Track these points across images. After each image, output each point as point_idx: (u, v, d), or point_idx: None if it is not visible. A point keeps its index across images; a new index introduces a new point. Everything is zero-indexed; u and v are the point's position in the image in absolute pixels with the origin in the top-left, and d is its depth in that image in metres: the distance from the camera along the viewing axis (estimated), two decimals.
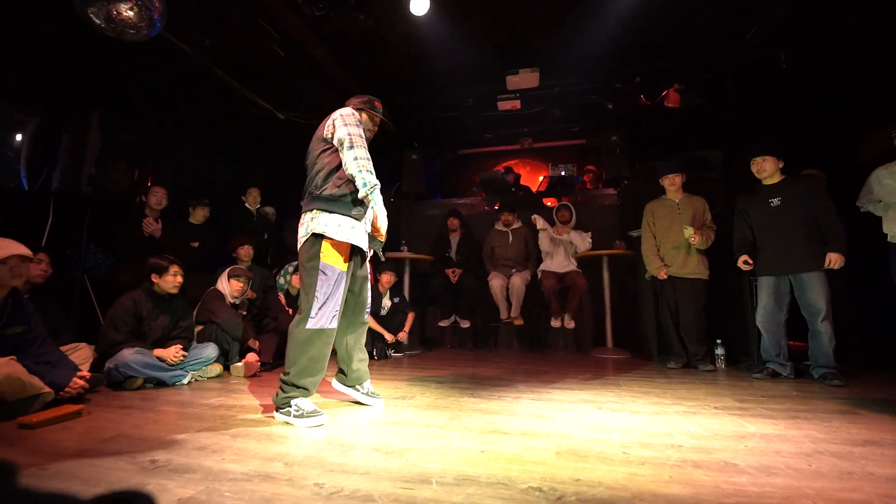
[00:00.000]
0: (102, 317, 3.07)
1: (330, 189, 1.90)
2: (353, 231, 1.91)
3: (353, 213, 1.92)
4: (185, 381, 2.65)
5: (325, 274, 1.86)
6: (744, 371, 3.11)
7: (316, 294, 1.84)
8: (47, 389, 1.92)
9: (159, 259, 2.75)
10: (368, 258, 2.14)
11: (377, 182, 1.87)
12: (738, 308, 3.39)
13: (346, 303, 2.04)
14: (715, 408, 2.05)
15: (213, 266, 3.70)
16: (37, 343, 2.10)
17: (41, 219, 3.15)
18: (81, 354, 2.54)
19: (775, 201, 2.89)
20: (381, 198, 1.92)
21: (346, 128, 1.90)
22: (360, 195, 1.86)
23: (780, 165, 2.92)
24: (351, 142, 1.87)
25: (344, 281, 1.92)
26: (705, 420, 1.84)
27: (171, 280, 2.74)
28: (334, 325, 1.89)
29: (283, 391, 1.84)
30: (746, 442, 1.56)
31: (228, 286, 3.28)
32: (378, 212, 1.96)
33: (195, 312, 3.17)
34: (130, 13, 2.55)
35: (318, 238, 1.88)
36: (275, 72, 4.25)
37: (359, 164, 1.84)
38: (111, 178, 3.37)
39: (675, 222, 3.38)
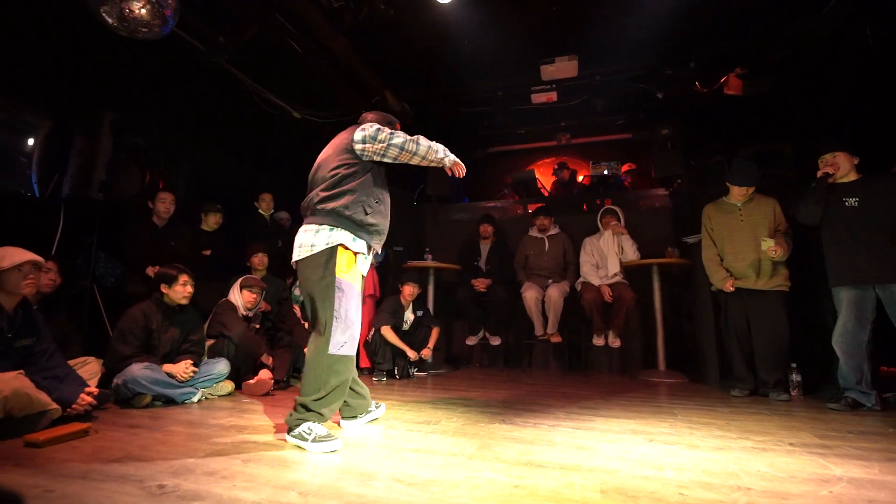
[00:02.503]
0: (111, 329, 3.22)
1: (350, 209, 1.98)
2: (363, 247, 2.04)
3: (375, 242, 2.09)
4: (195, 398, 2.73)
5: (342, 290, 1.92)
6: (825, 401, 2.93)
7: (336, 314, 1.90)
8: (54, 406, 2.02)
9: (168, 268, 2.86)
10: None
11: (442, 150, 2.11)
12: (817, 326, 3.21)
13: None
14: (790, 444, 1.94)
15: (225, 275, 3.83)
16: (45, 356, 2.22)
17: (51, 226, 3.35)
18: (90, 369, 2.66)
19: (851, 201, 2.79)
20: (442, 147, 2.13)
21: (394, 135, 2.04)
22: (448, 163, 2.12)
23: (855, 162, 2.85)
24: (403, 142, 2.03)
25: (361, 299, 2.04)
26: (778, 458, 1.74)
27: (181, 290, 2.84)
28: (354, 350, 1.97)
29: (298, 413, 1.89)
30: (831, 487, 1.46)
31: (241, 297, 3.38)
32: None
33: (206, 325, 3.27)
34: (143, 11, 2.70)
35: (332, 251, 1.95)
36: (291, 68, 4.38)
37: (430, 152, 2.07)
38: (122, 182, 3.54)
39: (737, 231, 3.25)
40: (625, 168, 6.03)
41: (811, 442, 1.98)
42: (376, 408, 2.34)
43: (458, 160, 2.17)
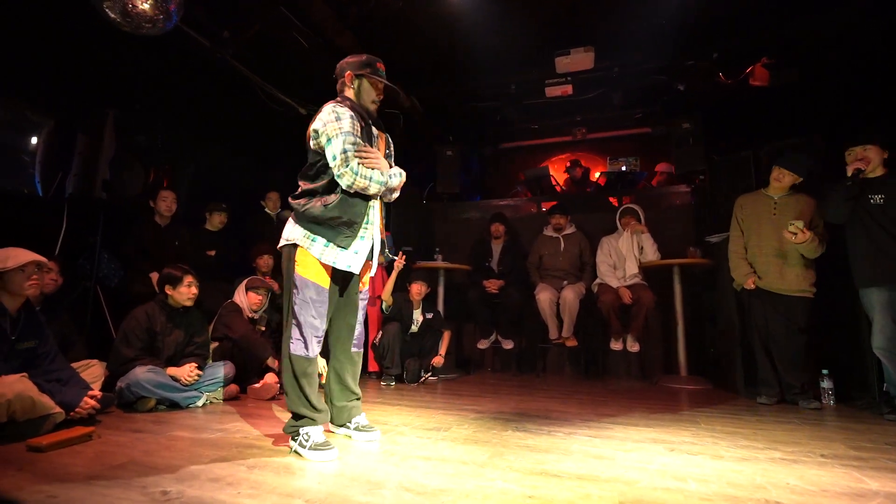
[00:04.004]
0: (115, 330, 3.27)
1: (307, 205, 1.88)
2: (339, 255, 1.90)
3: (340, 240, 1.88)
4: (200, 403, 2.76)
5: (296, 288, 1.88)
6: (860, 410, 2.88)
7: (292, 311, 1.88)
8: (58, 409, 2.05)
9: (173, 269, 2.89)
10: (371, 274, 2.11)
11: (380, 180, 1.88)
12: (850, 331, 3.14)
13: (330, 328, 2.06)
14: (822, 455, 1.90)
15: (230, 276, 3.86)
16: (48, 359, 2.26)
17: (54, 226, 3.41)
18: (93, 372, 2.70)
19: (877, 199, 2.74)
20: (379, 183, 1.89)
21: (339, 137, 1.82)
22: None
23: (885, 156, 2.81)
24: (340, 151, 1.81)
25: (326, 300, 1.93)
26: (809, 471, 1.71)
27: (186, 291, 2.87)
28: (313, 352, 1.91)
29: (293, 420, 1.92)
30: (867, 502, 1.43)
31: (246, 299, 3.41)
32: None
33: (211, 327, 3.31)
34: (146, 6, 2.73)
35: (293, 247, 1.91)
36: (297, 64, 4.41)
37: (361, 179, 1.84)
38: (125, 181, 3.60)
39: (767, 223, 3.20)
40: (660, 167, 5.88)
41: (844, 453, 1.94)
42: (360, 430, 2.10)
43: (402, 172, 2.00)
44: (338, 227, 1.88)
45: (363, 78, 2.01)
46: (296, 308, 1.87)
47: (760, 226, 3.23)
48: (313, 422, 1.88)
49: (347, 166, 1.80)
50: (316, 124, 1.88)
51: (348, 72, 2.01)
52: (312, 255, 1.88)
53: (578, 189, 6.09)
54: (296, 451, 1.84)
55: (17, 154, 3.28)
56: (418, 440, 2.07)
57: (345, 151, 1.80)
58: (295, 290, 1.88)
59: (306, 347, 1.89)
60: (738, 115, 5.17)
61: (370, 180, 1.85)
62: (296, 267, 1.88)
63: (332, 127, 1.83)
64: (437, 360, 3.98)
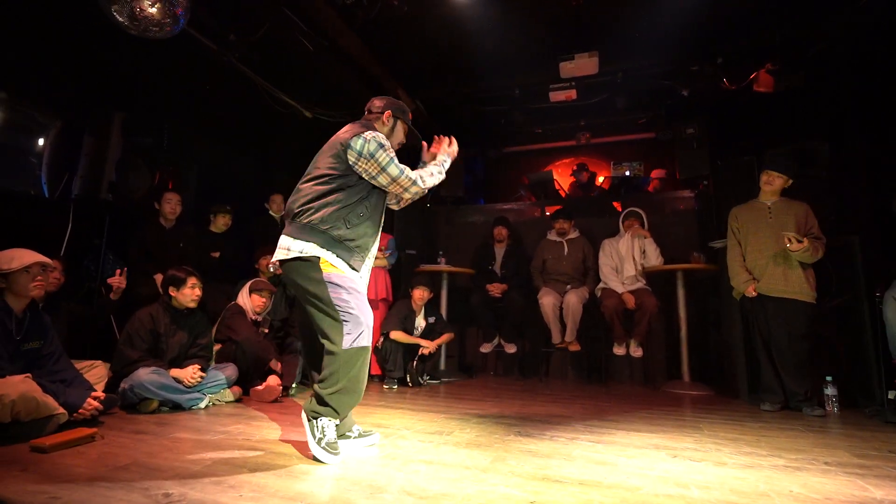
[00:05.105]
0: (118, 331, 3.28)
1: (327, 223, 1.90)
2: (341, 264, 1.93)
3: (354, 261, 1.95)
4: (202, 404, 2.77)
5: (335, 284, 1.87)
6: (865, 417, 2.86)
7: (337, 306, 1.84)
8: (61, 410, 2.06)
9: (177, 271, 2.91)
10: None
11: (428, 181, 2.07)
12: (855, 337, 3.13)
13: None
14: (826, 463, 1.89)
15: (234, 278, 3.88)
16: (52, 359, 2.27)
17: (60, 227, 3.43)
18: (97, 373, 2.71)
19: None
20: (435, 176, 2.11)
21: (392, 162, 1.97)
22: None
23: None
24: (399, 175, 1.97)
25: (361, 289, 1.97)
26: (813, 478, 1.70)
27: (189, 293, 2.89)
28: (368, 341, 1.88)
29: (316, 403, 1.86)
30: None
31: (250, 301, 3.42)
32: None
33: (214, 329, 3.32)
34: (153, 10, 2.76)
35: (315, 258, 1.89)
36: (302, 67, 4.44)
37: (422, 192, 2.08)
38: (131, 183, 3.62)
39: (765, 228, 3.21)
40: (654, 173, 5.91)
41: (848, 461, 1.93)
42: (363, 435, 2.08)
43: (446, 159, 2.18)
44: (352, 250, 1.96)
45: (399, 121, 2.18)
46: (344, 304, 1.85)
47: (759, 231, 3.24)
48: (336, 415, 1.86)
49: (415, 183, 2.01)
50: (359, 147, 1.92)
51: (388, 111, 2.14)
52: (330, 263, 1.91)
53: (584, 193, 6.10)
54: (309, 437, 1.81)
55: (25, 155, 3.32)
56: (420, 444, 2.07)
57: (403, 171, 1.98)
58: (335, 287, 1.86)
59: (366, 338, 1.87)
60: (742, 120, 5.17)
61: (425, 185, 2.07)
62: (324, 267, 1.88)
63: (383, 155, 1.95)
64: (431, 345, 3.90)
